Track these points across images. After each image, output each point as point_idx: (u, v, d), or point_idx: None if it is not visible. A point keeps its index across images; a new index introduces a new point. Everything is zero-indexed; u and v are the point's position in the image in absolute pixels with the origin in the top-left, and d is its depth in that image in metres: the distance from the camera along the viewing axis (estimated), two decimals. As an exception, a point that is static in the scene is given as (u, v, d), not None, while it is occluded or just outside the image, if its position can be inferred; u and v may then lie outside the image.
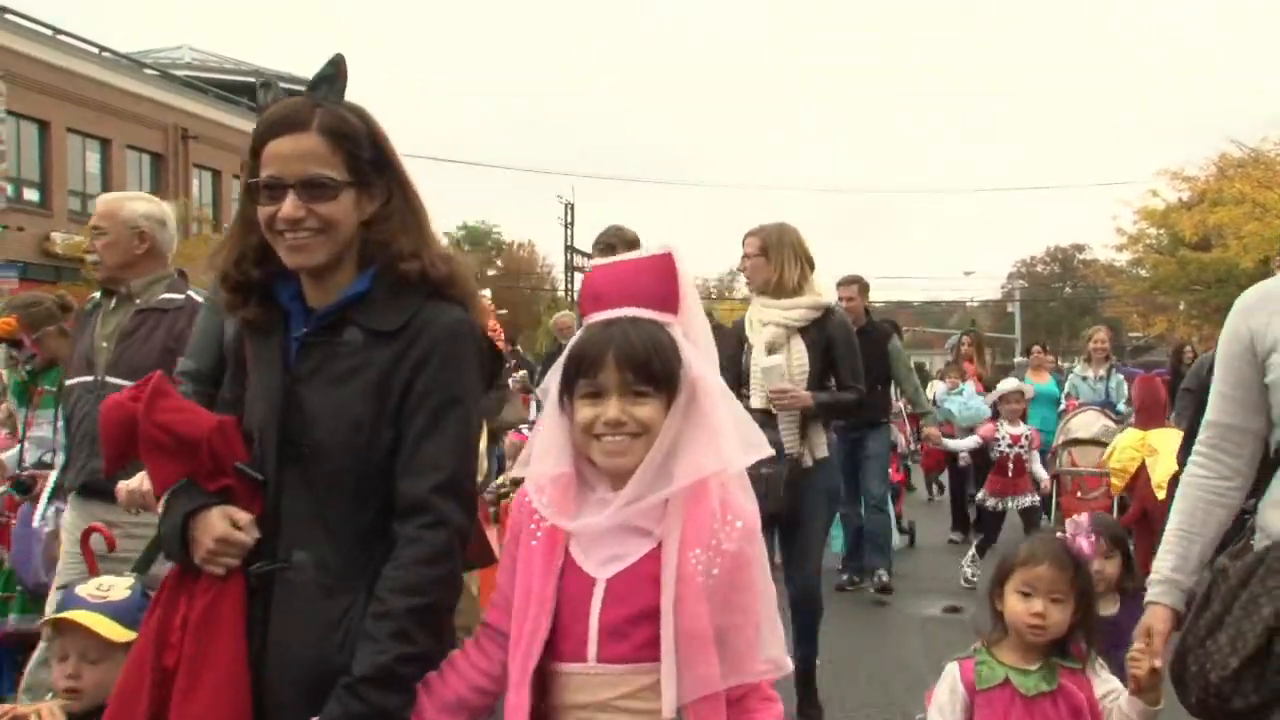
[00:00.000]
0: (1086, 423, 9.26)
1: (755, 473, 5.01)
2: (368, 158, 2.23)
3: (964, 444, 9.69)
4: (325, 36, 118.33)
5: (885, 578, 8.50)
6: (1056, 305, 64.33)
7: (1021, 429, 9.08)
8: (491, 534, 3.42)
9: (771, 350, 5.26)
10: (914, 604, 8.23)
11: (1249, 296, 2.80)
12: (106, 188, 27.06)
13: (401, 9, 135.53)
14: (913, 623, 7.51)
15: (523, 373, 13.40)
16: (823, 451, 5.26)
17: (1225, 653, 2.56)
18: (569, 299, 51.64)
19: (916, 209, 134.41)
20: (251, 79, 33.88)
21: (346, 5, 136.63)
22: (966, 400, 11.19)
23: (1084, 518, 3.16)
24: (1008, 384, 9.85)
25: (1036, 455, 9.06)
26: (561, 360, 2.12)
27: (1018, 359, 29.59)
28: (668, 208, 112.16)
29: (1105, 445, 8.87)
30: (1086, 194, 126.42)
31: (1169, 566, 2.79)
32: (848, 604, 8.19)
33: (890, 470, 9.47)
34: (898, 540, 10.40)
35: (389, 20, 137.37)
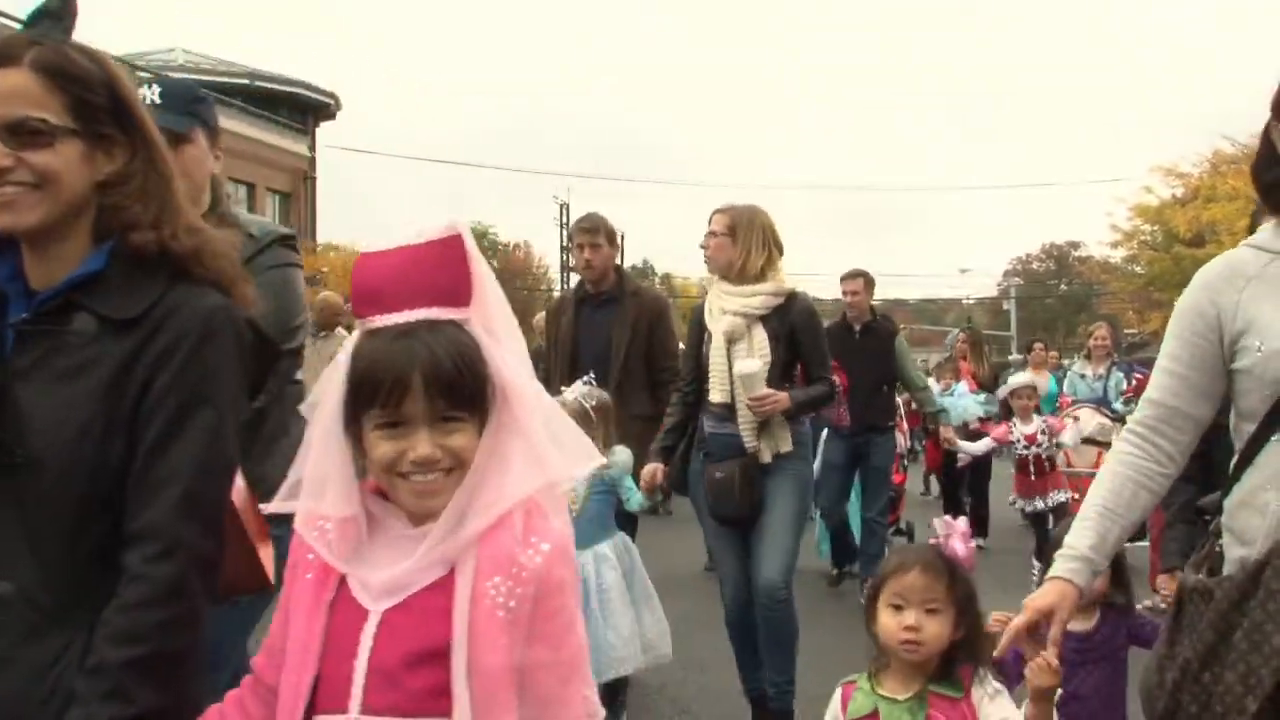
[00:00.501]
0: (1084, 420, 9.03)
1: (710, 475, 5.01)
2: (102, 106, 1.89)
3: (977, 447, 9.22)
4: (321, 37, 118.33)
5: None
6: (1052, 302, 64.44)
7: (1035, 424, 8.60)
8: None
9: (730, 341, 4.92)
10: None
11: (1212, 270, 2.51)
12: (100, 190, 26.99)
13: (397, 10, 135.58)
14: None
15: None
16: (786, 445, 4.89)
17: (1238, 693, 2.24)
18: (564, 299, 51.54)
19: (913, 207, 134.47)
20: (245, 80, 34.07)
21: (342, 6, 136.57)
22: (956, 399, 10.95)
23: (960, 520, 2.82)
24: (1019, 378, 9.35)
25: (1071, 431, 8.56)
26: (337, 376, 1.73)
27: (1013, 356, 29.63)
28: (664, 208, 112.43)
29: (1101, 444, 8.61)
30: (1082, 191, 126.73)
31: (1087, 544, 2.52)
32: (838, 600, 8.30)
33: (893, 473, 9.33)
34: (896, 543, 10.19)
35: (385, 21, 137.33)
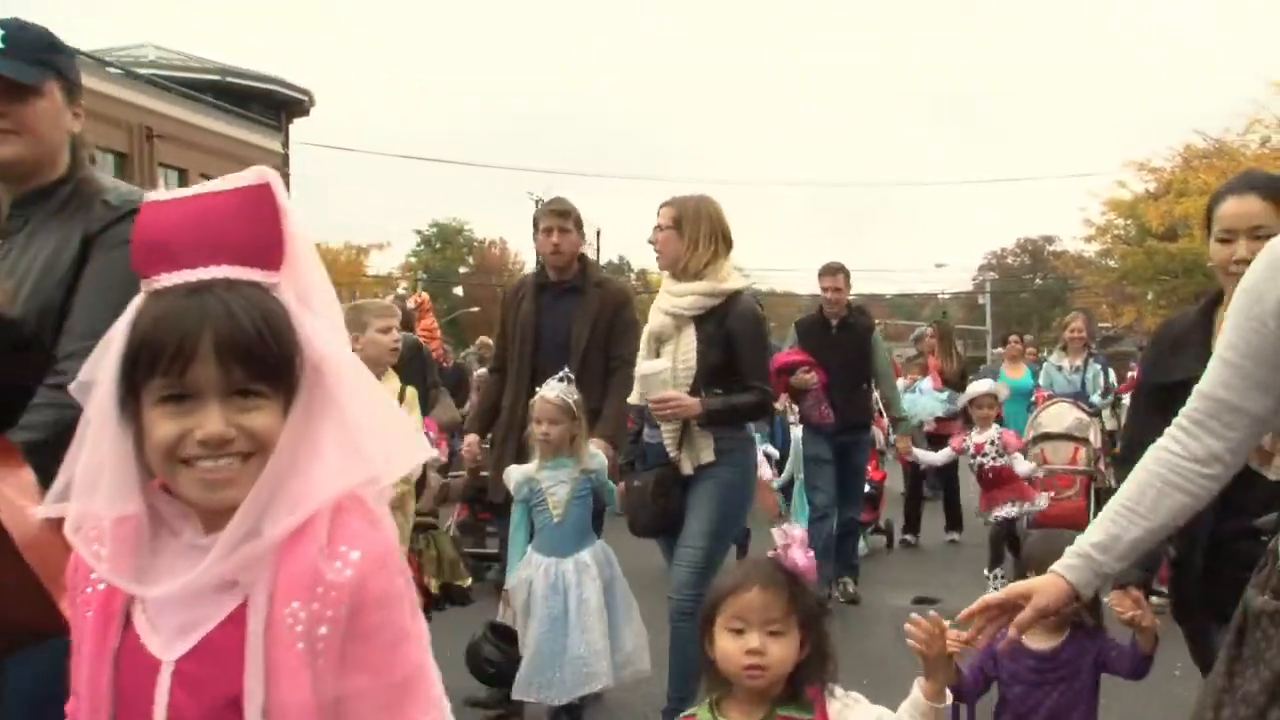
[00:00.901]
0: (1058, 416, 8.75)
1: (628, 484, 4.92)
2: None
3: (935, 458, 8.81)
4: (295, 34, 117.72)
5: (852, 587, 8.16)
6: (1027, 297, 64.79)
7: (989, 434, 8.09)
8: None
9: (659, 341, 4.70)
10: (884, 596, 8.15)
11: (1276, 246, 2.20)
12: (71, 188, 26.78)
13: (369, 6, 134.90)
14: (882, 615, 7.44)
15: (481, 371, 13.21)
16: (707, 456, 4.59)
17: None
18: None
19: (889, 202, 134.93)
20: (216, 76, 33.84)
21: (316, 2, 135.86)
22: (916, 397, 10.60)
23: (797, 528, 2.59)
24: (979, 386, 8.63)
25: (1019, 458, 8.09)
26: (114, 345, 1.44)
27: (990, 350, 29.74)
28: (639, 203, 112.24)
29: (1079, 440, 8.45)
30: (1056, 186, 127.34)
31: (1091, 540, 2.32)
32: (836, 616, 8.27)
33: (870, 470, 9.12)
34: (876, 542, 10.16)
35: (358, 18, 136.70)
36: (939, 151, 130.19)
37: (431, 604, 5.32)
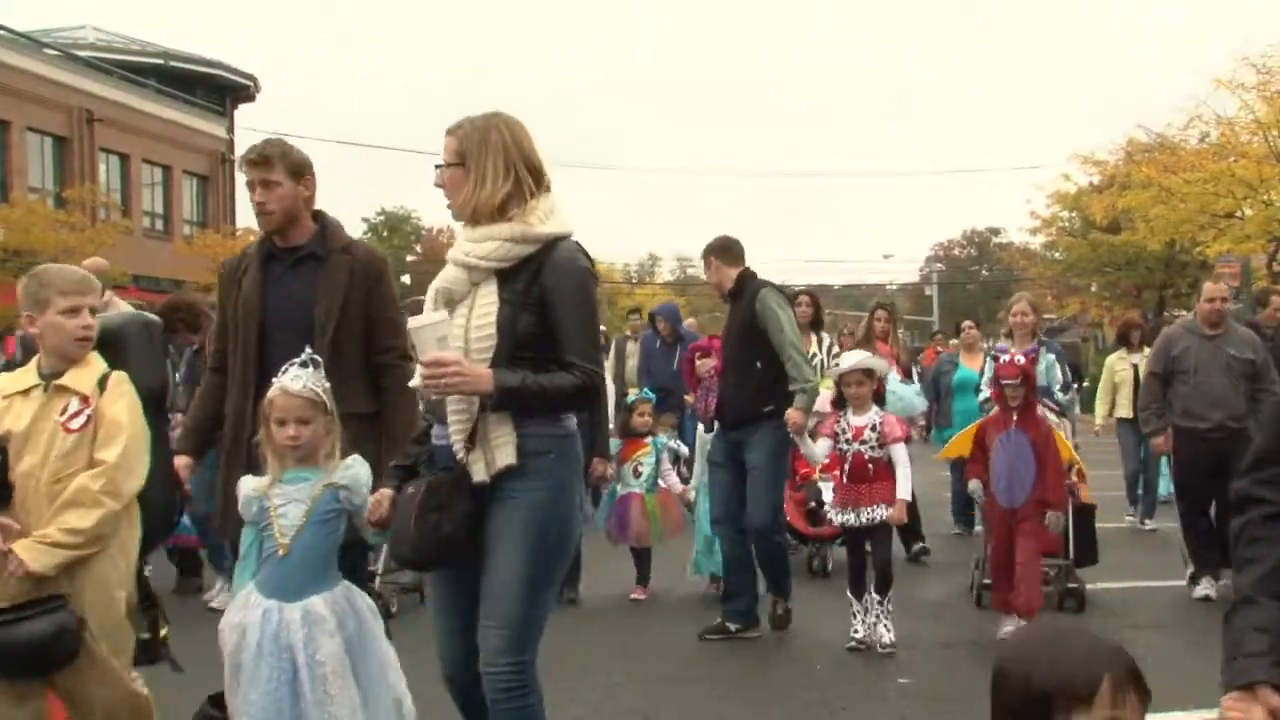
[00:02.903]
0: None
1: (399, 494, 3.53)
2: None
3: (818, 451, 6.66)
4: (241, 17, 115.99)
5: (781, 609, 6.81)
6: (973, 288, 65.33)
7: (868, 417, 6.41)
8: None
9: (449, 302, 3.49)
10: (839, 584, 7.26)
11: None
12: (5, 171, 26.24)
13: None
14: (839, 606, 7.03)
15: None
16: (507, 457, 3.35)
17: None
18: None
19: (835, 192, 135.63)
20: (159, 60, 33.28)
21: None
22: (894, 388, 8.60)
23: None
24: (851, 358, 6.77)
25: (900, 449, 6.41)
26: None
27: (952, 341, 29.93)
28: (588, 192, 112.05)
29: None
30: (1002, 178, 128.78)
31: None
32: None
33: (792, 469, 7.79)
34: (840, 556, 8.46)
35: (303, 1, 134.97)
36: (887, 143, 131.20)
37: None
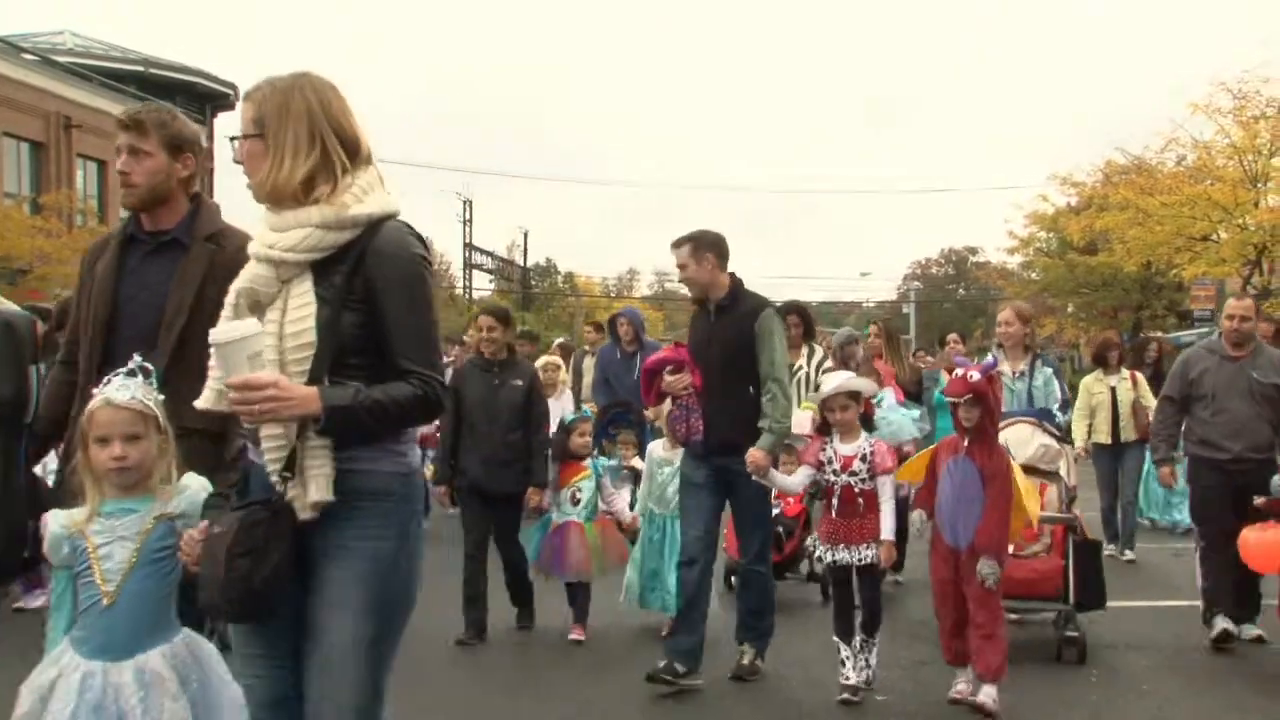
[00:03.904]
0: (1018, 442, 6.61)
1: (208, 532, 2.88)
2: None
3: (793, 482, 6.16)
4: (221, 25, 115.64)
5: (749, 658, 6.16)
6: (950, 307, 65.64)
7: (858, 445, 5.84)
8: None
9: (251, 304, 2.88)
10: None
11: None
12: (-16, 177, 26.03)
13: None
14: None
15: None
16: (323, 493, 2.77)
17: None
18: (466, 297, 51.32)
19: (814, 209, 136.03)
20: (139, 67, 33.12)
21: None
22: (885, 413, 8.12)
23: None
24: (833, 380, 6.13)
25: (886, 483, 5.83)
26: None
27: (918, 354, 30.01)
28: (567, 206, 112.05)
29: (1047, 475, 6.64)
30: (981, 198, 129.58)
31: None
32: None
33: (775, 503, 7.14)
34: (802, 595, 8.20)
35: (287, 10, 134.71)
36: (866, 161, 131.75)
37: None
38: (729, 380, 6.02)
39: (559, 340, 16.64)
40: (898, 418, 8.34)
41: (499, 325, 7.19)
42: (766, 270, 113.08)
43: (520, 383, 7.12)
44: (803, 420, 8.06)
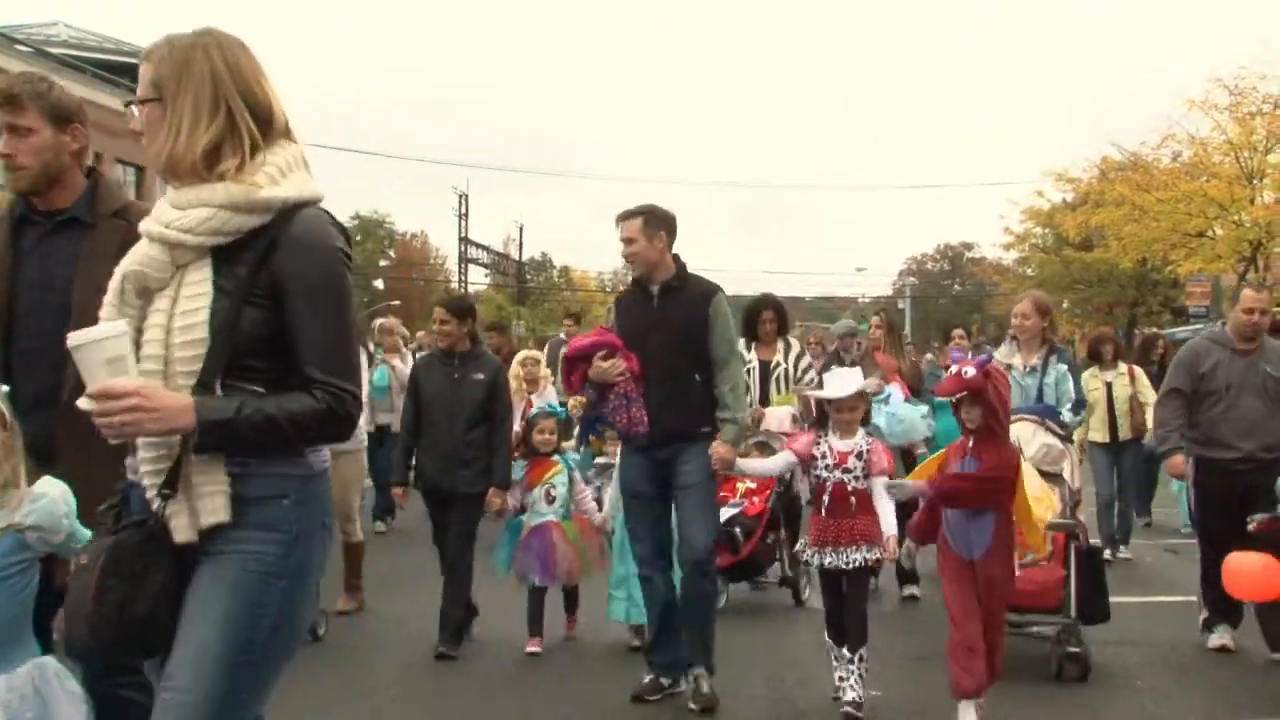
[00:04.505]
0: (1020, 440, 6.06)
1: (75, 564, 2.52)
2: None
3: (768, 466, 6.15)
4: (215, 15, 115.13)
5: (706, 686, 5.58)
6: (946, 302, 65.73)
7: (855, 442, 5.48)
8: None
9: (139, 290, 2.53)
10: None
11: None
12: (-22, 169, 25.96)
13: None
14: (812, 616, 6.97)
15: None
16: (218, 514, 2.43)
17: None
18: (462, 290, 51.35)
19: (810, 205, 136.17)
20: (133, 59, 32.99)
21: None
22: (894, 409, 7.89)
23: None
24: (842, 384, 5.76)
25: (879, 484, 5.44)
26: None
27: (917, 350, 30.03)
28: (561, 200, 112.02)
29: (1050, 477, 6.21)
30: (977, 193, 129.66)
31: None
32: (742, 596, 7.96)
33: (738, 502, 7.08)
34: (770, 598, 7.76)
35: (278, 1, 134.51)
36: (862, 156, 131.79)
37: None
38: (676, 367, 5.58)
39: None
40: (909, 414, 8.03)
41: (451, 318, 6.75)
42: (761, 265, 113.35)
43: (482, 376, 6.70)
44: (782, 417, 8.03)
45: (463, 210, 50.01)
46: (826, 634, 5.59)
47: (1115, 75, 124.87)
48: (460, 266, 51.74)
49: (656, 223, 5.63)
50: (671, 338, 5.58)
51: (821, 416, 5.66)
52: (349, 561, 7.68)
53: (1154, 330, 20.46)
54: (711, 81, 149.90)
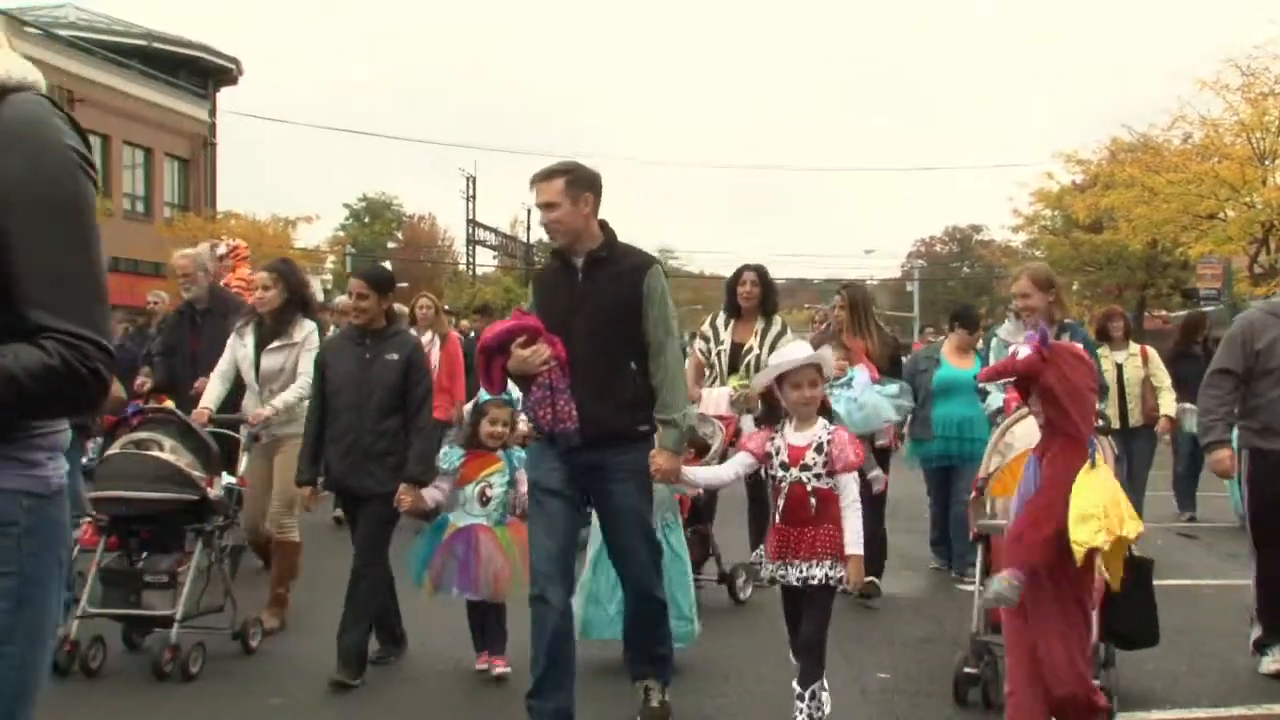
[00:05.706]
0: (1025, 433, 5.10)
1: None
2: None
3: (721, 474, 5.14)
4: (219, 1, 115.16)
5: (657, 699, 4.98)
6: (954, 285, 65.53)
7: (813, 434, 4.61)
8: None
9: None
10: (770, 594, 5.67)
11: None
12: (-13, 151, 25.96)
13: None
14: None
15: None
16: None
17: None
18: (470, 272, 51.28)
19: (818, 187, 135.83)
20: (142, 41, 33.01)
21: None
22: (854, 393, 7.03)
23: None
24: (791, 351, 4.99)
25: (849, 483, 4.59)
26: None
27: (916, 337, 30.03)
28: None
29: None
30: (986, 175, 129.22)
31: None
32: (729, 599, 7.99)
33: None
34: (717, 602, 7.02)
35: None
36: (871, 138, 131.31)
37: None
38: (606, 352, 4.73)
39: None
40: (871, 398, 7.11)
41: (371, 292, 5.79)
42: (768, 246, 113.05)
43: (395, 357, 5.73)
44: (719, 399, 7.15)
45: (470, 193, 49.97)
46: (791, 655, 4.76)
47: (1126, 57, 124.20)
48: (468, 249, 51.72)
49: (581, 183, 4.76)
50: (598, 318, 4.73)
51: (773, 409, 4.81)
52: (279, 563, 6.60)
53: (1198, 309, 19.26)
54: (718, 63, 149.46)
